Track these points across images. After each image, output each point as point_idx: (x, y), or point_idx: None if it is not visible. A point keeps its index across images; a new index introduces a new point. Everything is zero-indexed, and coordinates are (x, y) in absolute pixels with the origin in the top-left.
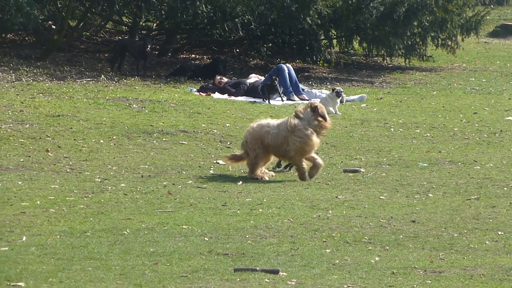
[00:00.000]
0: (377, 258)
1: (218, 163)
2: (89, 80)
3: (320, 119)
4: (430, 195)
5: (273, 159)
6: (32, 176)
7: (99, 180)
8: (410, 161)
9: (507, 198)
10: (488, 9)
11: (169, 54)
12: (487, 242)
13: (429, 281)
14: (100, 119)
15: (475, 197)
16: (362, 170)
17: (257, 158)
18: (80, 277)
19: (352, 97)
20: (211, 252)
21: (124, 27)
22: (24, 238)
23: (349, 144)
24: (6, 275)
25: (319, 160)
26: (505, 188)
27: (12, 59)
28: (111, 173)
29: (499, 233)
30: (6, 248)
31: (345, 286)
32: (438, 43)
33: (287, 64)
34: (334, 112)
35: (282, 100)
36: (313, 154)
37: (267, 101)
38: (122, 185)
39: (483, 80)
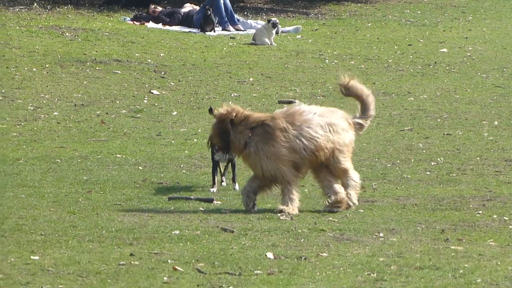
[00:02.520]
0: (310, 189)
1: (152, 93)
2: (22, 8)
3: None
4: None
5: None
6: None
7: (32, 108)
8: None
9: (440, 129)
10: None
11: None
12: (420, 173)
13: (362, 210)
14: (32, 47)
15: (409, 128)
16: (296, 101)
17: None
18: (13, 204)
19: (287, 28)
20: (145, 181)
21: None
22: None
23: (284, 75)
24: None
25: None
26: (438, 120)
27: None
28: (44, 101)
29: (432, 163)
30: None
31: (278, 214)
32: None
33: None
34: (269, 43)
35: (214, 31)
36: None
37: (202, 32)
38: (55, 113)
39: (418, 12)
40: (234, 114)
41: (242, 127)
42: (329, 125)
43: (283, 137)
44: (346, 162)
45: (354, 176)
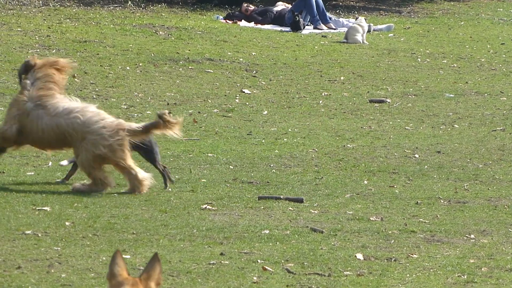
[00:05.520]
0: (401, 189)
1: (244, 92)
2: (116, 6)
3: None
4: (456, 125)
5: None
6: None
7: (125, 106)
8: (437, 91)
9: None
10: None
11: None
12: None
13: (453, 211)
14: (126, 45)
15: (501, 128)
16: (388, 100)
17: None
18: (105, 203)
19: (379, 27)
20: (235, 180)
21: None
22: (50, 164)
23: (375, 74)
24: (31, 199)
25: None
26: None
27: None
28: (137, 100)
29: None
30: (32, 173)
31: (368, 215)
32: None
33: None
34: (361, 42)
35: (302, 28)
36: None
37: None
38: (148, 112)
39: (511, 10)
40: None
41: None
42: None
43: None
44: None
45: None
